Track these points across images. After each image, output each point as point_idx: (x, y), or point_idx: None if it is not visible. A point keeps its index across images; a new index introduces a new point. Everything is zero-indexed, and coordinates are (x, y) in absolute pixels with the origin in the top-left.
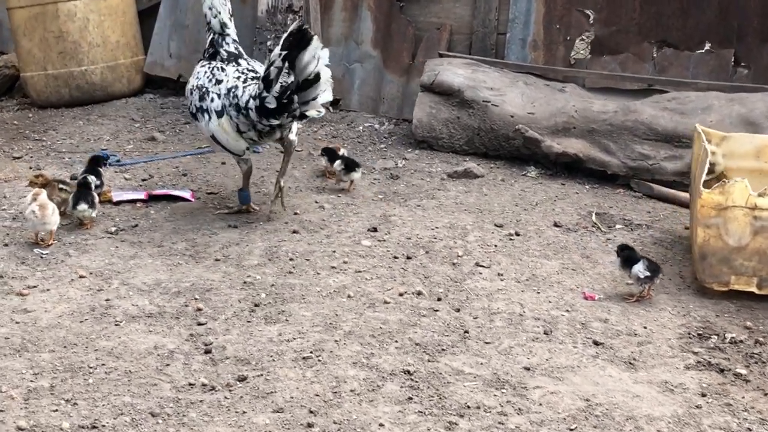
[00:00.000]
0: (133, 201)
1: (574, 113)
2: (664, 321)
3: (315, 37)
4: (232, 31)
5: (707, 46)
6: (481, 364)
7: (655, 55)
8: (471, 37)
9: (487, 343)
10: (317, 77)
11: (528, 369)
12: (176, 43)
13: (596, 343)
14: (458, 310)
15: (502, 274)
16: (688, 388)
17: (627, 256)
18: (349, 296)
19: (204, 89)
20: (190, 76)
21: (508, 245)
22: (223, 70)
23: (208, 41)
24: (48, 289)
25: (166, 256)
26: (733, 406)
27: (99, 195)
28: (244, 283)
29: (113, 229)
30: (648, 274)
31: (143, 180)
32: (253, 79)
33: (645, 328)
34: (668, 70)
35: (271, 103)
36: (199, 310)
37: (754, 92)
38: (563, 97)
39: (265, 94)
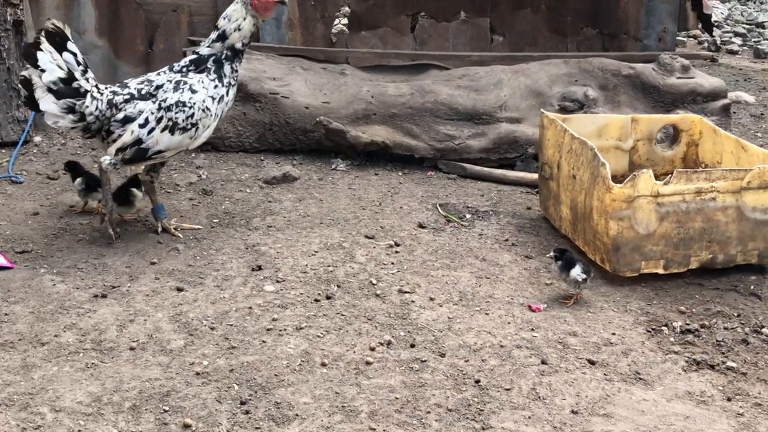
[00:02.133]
0: None
1: (371, 99)
2: (618, 322)
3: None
4: None
5: (463, 16)
6: (529, 417)
7: (414, 28)
8: (216, 19)
9: (507, 389)
10: None
11: (575, 413)
12: None
13: (592, 363)
14: (443, 355)
15: (433, 299)
16: (713, 395)
17: (567, 260)
18: (324, 364)
19: None
20: None
21: (402, 260)
22: None
23: None
24: None
25: (66, 357)
26: (762, 406)
27: None
28: (197, 374)
29: None
30: (585, 276)
31: None
32: None
33: (614, 334)
34: (428, 42)
35: None
36: (187, 427)
37: (523, 61)
38: (352, 82)
39: None
